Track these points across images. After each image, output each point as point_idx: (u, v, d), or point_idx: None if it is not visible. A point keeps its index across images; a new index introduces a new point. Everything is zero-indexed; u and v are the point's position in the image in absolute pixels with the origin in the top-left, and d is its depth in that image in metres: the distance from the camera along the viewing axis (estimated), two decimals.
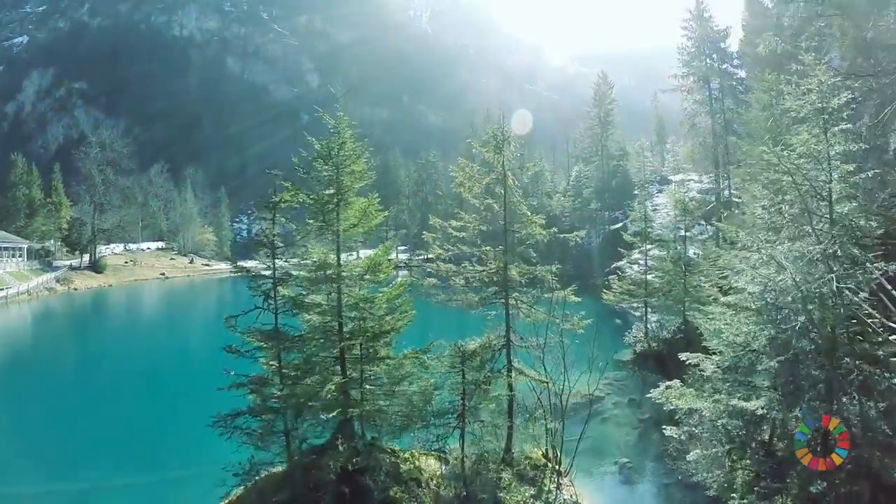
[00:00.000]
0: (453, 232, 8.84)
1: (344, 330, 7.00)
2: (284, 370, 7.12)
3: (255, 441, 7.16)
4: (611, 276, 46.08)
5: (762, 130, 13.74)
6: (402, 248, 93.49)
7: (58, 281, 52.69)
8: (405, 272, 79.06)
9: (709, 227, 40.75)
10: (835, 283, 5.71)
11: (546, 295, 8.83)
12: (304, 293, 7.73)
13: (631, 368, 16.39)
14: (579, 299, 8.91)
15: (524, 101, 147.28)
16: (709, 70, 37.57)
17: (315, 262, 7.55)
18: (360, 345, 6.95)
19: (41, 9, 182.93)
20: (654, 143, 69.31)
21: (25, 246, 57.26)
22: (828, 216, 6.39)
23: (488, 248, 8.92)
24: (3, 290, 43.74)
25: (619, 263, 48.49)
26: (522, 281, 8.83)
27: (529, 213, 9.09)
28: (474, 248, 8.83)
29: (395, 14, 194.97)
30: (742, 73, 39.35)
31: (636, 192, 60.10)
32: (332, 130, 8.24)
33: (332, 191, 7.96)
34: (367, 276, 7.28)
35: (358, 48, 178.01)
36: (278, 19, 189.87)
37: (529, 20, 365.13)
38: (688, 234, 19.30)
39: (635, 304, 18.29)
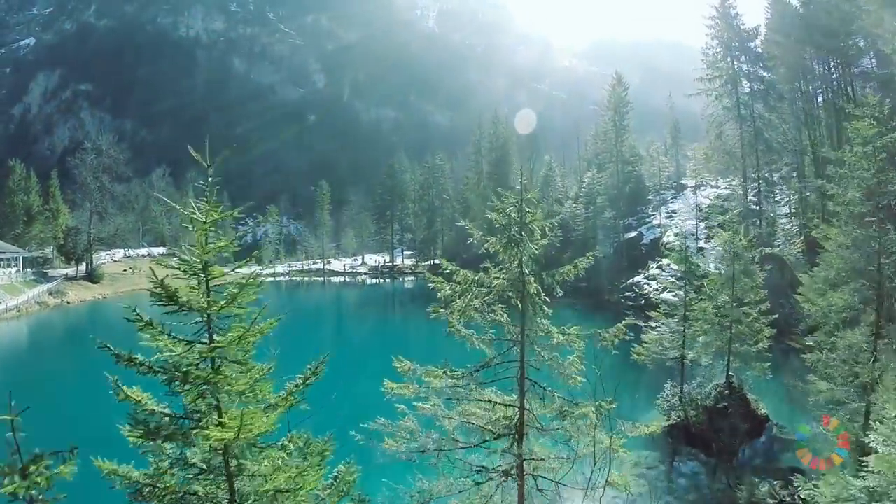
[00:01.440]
0: (437, 372, 5.95)
1: None
2: None
3: None
4: (627, 293, 43.63)
5: (862, 172, 10.98)
6: (409, 253, 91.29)
7: (51, 293, 50.90)
8: (411, 278, 76.94)
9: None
10: None
11: (584, 447, 5.88)
12: None
13: (663, 445, 13.80)
14: (628, 452, 6.15)
15: (532, 100, 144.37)
16: (737, 72, 34.54)
17: None
18: None
19: (48, 10, 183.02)
20: (669, 146, 66.01)
21: (21, 255, 55.61)
22: None
23: (493, 389, 6.12)
24: None
25: (636, 279, 45.74)
26: (543, 428, 6.06)
27: (562, 337, 5.97)
28: (473, 382, 6.03)
29: (402, 13, 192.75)
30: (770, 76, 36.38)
31: (650, 197, 57.33)
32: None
33: (194, 395, 4.21)
34: None
35: (364, 48, 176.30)
36: (285, 19, 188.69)
37: (536, 18, 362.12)
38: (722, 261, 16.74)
39: (668, 353, 15.68)
